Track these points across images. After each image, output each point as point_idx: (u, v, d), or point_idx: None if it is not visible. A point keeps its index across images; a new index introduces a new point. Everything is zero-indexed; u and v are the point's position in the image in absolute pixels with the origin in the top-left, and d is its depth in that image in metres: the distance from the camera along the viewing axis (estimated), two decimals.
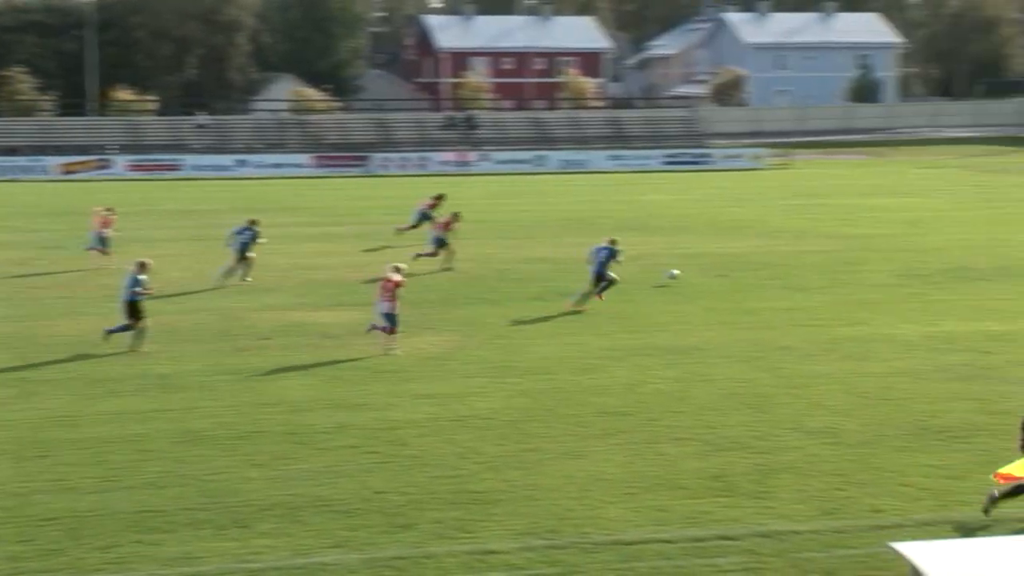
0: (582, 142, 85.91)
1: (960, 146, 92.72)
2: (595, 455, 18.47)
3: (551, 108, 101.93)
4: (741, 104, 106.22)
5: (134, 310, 25.36)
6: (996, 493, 15.63)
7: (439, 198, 41.28)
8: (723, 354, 24.98)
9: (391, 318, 25.00)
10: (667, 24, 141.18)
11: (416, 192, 55.10)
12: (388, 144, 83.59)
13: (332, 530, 15.57)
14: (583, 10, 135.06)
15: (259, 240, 33.92)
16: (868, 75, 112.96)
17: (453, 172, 76.34)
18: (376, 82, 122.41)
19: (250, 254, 33.69)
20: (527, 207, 54.76)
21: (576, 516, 16.02)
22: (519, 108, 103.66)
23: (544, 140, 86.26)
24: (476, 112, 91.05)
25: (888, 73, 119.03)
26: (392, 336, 25.07)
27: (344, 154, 79.76)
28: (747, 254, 38.81)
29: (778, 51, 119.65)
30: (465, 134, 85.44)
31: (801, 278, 33.91)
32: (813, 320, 28.40)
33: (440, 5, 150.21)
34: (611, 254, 30.00)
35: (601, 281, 29.90)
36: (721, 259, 37.86)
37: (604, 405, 21.21)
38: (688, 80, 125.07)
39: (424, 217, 40.41)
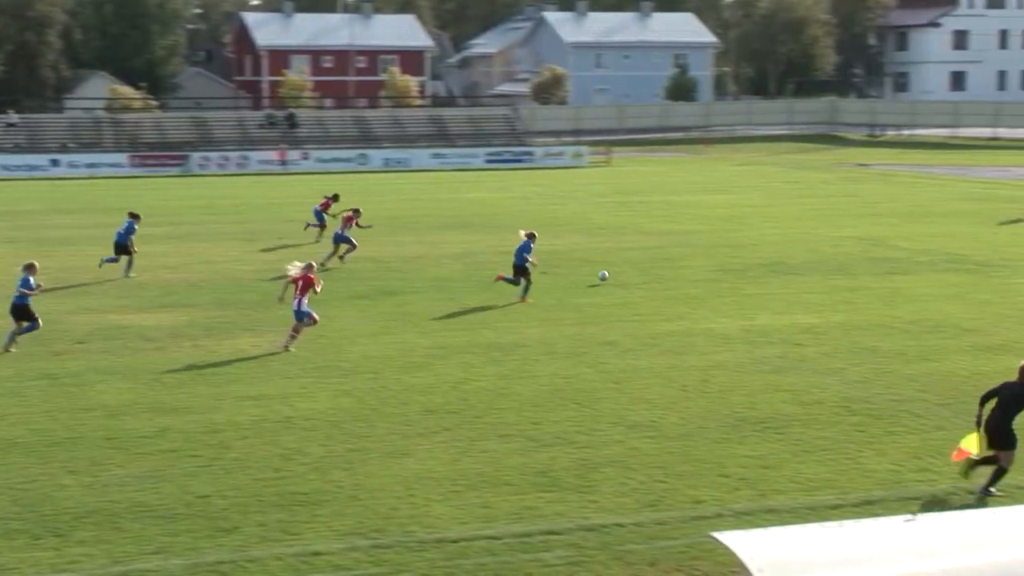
0: (405, 141, 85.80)
1: (773, 143, 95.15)
2: (420, 453, 18.46)
3: (373, 106, 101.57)
4: (562, 102, 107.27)
5: (23, 312, 25.45)
6: (975, 457, 16.23)
7: (334, 197, 41.68)
8: (546, 350, 25.19)
9: (308, 316, 25.32)
10: (487, 23, 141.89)
11: (236, 191, 54.45)
12: (207, 143, 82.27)
13: (152, 536, 15.27)
14: (404, 8, 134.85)
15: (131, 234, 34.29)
16: (685, 74, 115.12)
17: (274, 171, 75.54)
18: (194, 80, 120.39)
19: (133, 249, 34.14)
20: (350, 206, 54.36)
21: (402, 515, 15.99)
22: (341, 106, 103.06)
23: (366, 139, 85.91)
24: (297, 111, 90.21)
25: (704, 72, 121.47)
26: (304, 329, 25.36)
27: (162, 153, 78.28)
28: (569, 251, 39.22)
29: (597, 50, 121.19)
30: (286, 133, 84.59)
31: (622, 274, 34.39)
32: (634, 315, 28.84)
33: (258, 2, 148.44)
34: (526, 247, 30.62)
35: (519, 275, 30.48)
36: (544, 256, 38.12)
37: (429, 403, 21.21)
38: (509, 79, 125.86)
39: (321, 216, 40.93)
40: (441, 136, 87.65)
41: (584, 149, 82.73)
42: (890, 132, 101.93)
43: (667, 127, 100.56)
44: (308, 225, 41.80)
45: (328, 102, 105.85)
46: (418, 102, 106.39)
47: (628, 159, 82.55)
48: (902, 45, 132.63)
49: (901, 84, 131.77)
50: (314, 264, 26.45)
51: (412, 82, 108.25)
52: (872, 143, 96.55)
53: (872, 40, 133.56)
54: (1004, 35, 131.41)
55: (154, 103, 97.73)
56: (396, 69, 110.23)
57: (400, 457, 18.30)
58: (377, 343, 25.97)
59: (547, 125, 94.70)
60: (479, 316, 28.82)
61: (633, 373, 23.28)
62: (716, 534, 9.58)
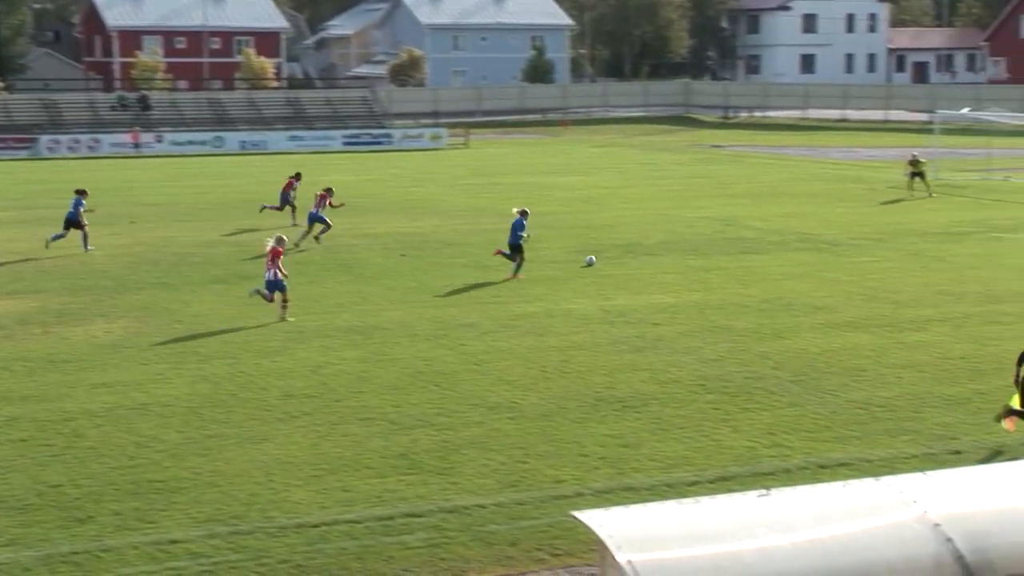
0: (261, 123, 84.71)
1: (629, 125, 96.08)
2: (280, 438, 18.31)
3: (228, 88, 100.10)
4: (420, 84, 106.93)
5: None
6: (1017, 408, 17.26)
7: (296, 177, 41.84)
8: (406, 333, 25.15)
9: (280, 285, 26.18)
10: (343, 4, 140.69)
11: (87, 175, 53.37)
12: (56, 126, 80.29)
13: (3, 528, 14.91)
14: None
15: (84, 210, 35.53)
16: (541, 56, 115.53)
17: (127, 154, 74.07)
18: (42, 61, 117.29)
19: (84, 223, 35.40)
20: (206, 189, 53.69)
21: (261, 501, 15.85)
22: (195, 88, 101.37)
23: (222, 121, 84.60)
24: (150, 93, 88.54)
25: (560, 54, 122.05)
26: (286, 304, 26.31)
27: (8, 136, 76.21)
28: (428, 233, 39.19)
29: (454, 32, 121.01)
30: (139, 115, 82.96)
31: (482, 256, 34.45)
32: (494, 297, 28.93)
33: None
34: (519, 225, 31.33)
35: (515, 252, 31.19)
36: (403, 238, 38.09)
37: (288, 388, 21.05)
38: (367, 60, 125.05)
39: (287, 199, 40.87)
40: (298, 118, 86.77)
41: (442, 131, 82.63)
42: (743, 114, 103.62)
43: (525, 109, 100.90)
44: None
45: (182, 84, 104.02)
46: (274, 84, 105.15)
47: (486, 141, 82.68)
48: (754, 28, 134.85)
49: (753, 67, 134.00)
50: (284, 238, 27.39)
51: (268, 64, 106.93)
52: (726, 125, 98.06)
53: (725, 23, 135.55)
54: (851, 19, 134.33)
55: (0, 85, 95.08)
56: (251, 50, 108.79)
57: (259, 442, 18.13)
58: (234, 328, 25.67)
59: (405, 107, 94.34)
60: (339, 299, 28.65)
61: (493, 354, 23.36)
62: (575, 513, 9.66)
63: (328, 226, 36.84)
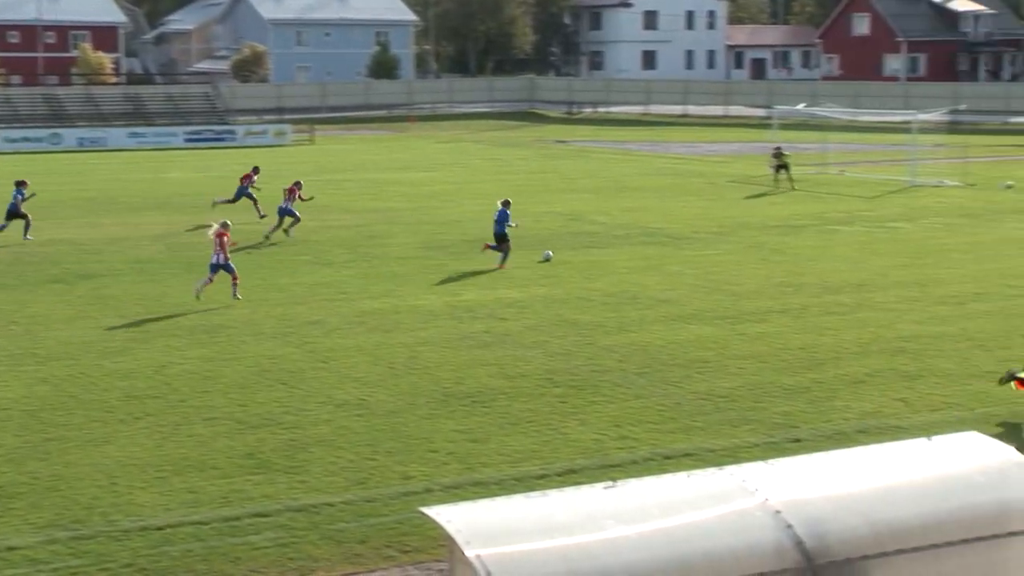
0: (100, 119, 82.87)
1: (474, 121, 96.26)
2: (122, 440, 17.97)
3: (65, 84, 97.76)
4: (263, 80, 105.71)
5: None
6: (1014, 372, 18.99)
7: (254, 170, 42.26)
8: (252, 331, 24.88)
9: (228, 267, 27.44)
10: None
11: None
12: None
13: None
14: None
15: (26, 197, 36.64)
16: (386, 52, 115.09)
17: None
18: None
19: (25, 212, 36.58)
20: (43, 188, 52.27)
21: (104, 504, 15.53)
22: (29, 84, 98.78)
23: (58, 117, 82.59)
24: None
25: (405, 50, 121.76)
26: (236, 282, 27.60)
27: None
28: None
29: (298, 27, 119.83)
30: None
31: (328, 253, 34.23)
32: (341, 294, 28.77)
33: None
34: (505, 215, 32.34)
35: (500, 242, 32.03)
36: (247, 236, 37.60)
37: (131, 389, 20.66)
38: (208, 56, 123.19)
39: (243, 192, 41.01)
40: (138, 114, 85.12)
41: (287, 127, 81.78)
42: (587, 109, 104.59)
43: (370, 105, 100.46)
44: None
45: (15, 79, 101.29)
46: (113, 80, 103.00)
47: (332, 137, 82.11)
48: (596, 25, 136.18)
49: (596, 63, 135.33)
50: (229, 223, 28.44)
51: (106, 59, 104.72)
52: (570, 120, 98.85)
53: (568, 20, 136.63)
54: (691, 16, 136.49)
55: None
56: (88, 45, 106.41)
57: (101, 445, 17.77)
58: (74, 328, 25.10)
59: (248, 103, 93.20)
60: (182, 298, 28.18)
61: (341, 352, 23.24)
62: (424, 509, 9.67)
63: (297, 219, 37.15)
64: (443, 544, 11.40)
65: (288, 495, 15.91)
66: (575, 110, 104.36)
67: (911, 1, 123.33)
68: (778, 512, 9.33)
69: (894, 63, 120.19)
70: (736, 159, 64.88)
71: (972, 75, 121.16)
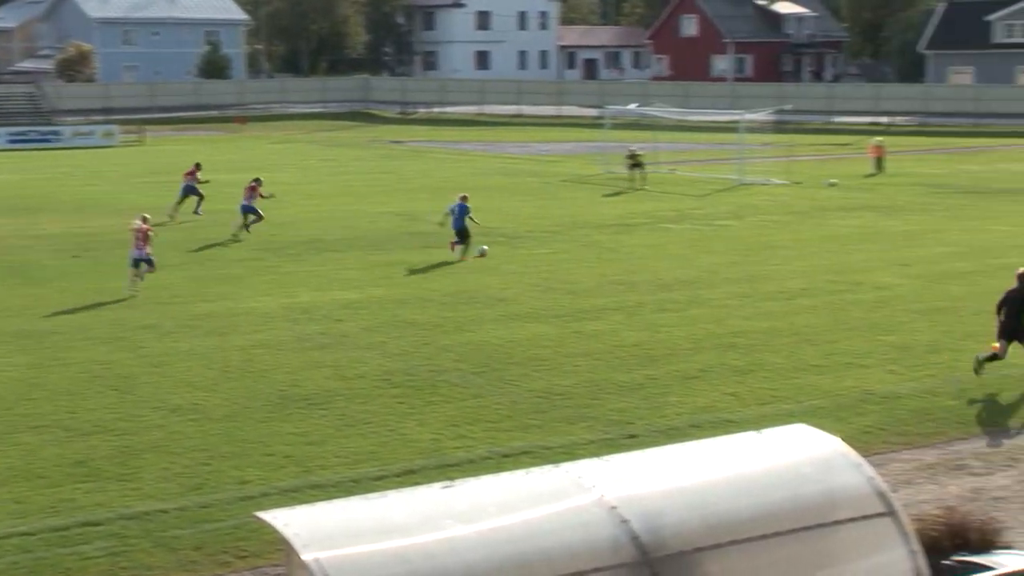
0: None
1: (308, 121, 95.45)
2: None
3: None
4: (89, 80, 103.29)
5: None
6: (980, 357, 20.74)
7: (197, 166, 43.17)
8: (82, 336, 24.31)
9: (150, 261, 28.81)
10: None
11: None
12: None
13: None
14: None
15: None
16: (217, 52, 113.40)
17: None
18: None
19: None
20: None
21: None
22: None
23: None
24: None
25: (236, 50, 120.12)
26: (150, 271, 28.90)
27: None
28: (103, 233, 37.94)
29: (125, 26, 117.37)
30: None
31: (161, 255, 33.56)
32: (174, 297, 28.28)
33: None
34: (464, 210, 33.35)
35: (462, 236, 33.05)
36: (76, 239, 36.79)
37: None
38: (31, 55, 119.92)
39: (190, 190, 41.35)
40: None
41: (115, 128, 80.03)
42: (421, 109, 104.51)
43: (201, 105, 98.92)
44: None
45: None
46: None
47: (162, 138, 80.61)
48: (429, 25, 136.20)
49: (430, 63, 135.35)
50: (148, 216, 29.86)
51: None
52: (405, 120, 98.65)
53: (401, 19, 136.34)
54: (523, 17, 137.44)
55: None
56: None
57: None
58: None
59: (75, 104, 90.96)
60: (7, 303, 27.42)
61: (174, 356, 22.85)
62: (259, 513, 9.56)
63: (260, 217, 37.61)
64: (280, 548, 11.28)
65: (120, 503, 15.59)
66: (409, 110, 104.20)
67: (737, 3, 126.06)
68: (614, 508, 9.45)
69: (722, 64, 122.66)
70: (569, 159, 65.50)
71: (796, 76, 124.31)
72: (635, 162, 51.26)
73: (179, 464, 17.04)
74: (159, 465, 16.96)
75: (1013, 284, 20.76)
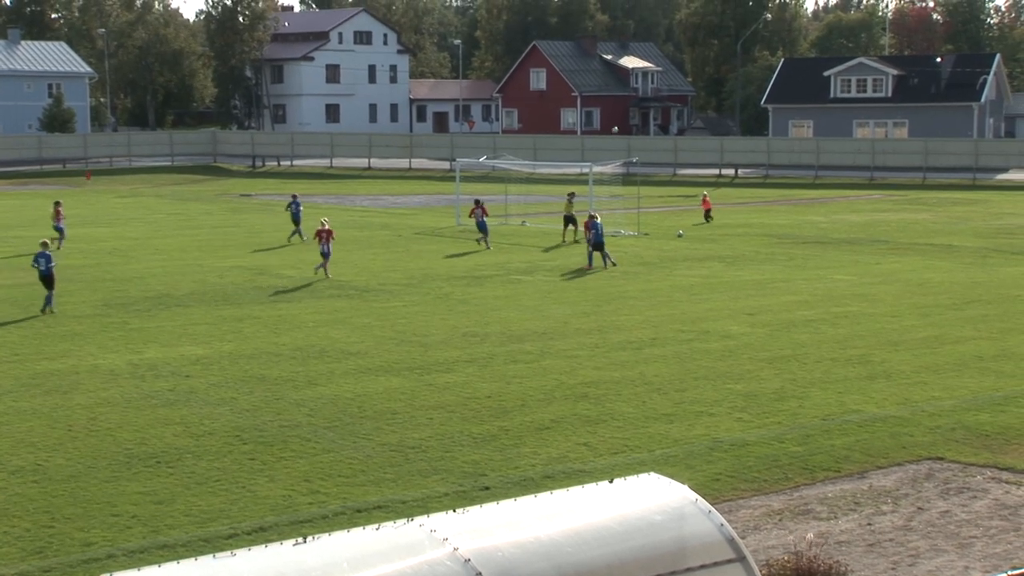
0: None
1: (155, 175, 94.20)
2: None
3: None
4: None
5: None
6: None
7: (57, 204, 46.89)
8: None
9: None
10: None
11: None
12: None
13: None
14: None
15: None
16: (60, 105, 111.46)
17: None
18: None
19: None
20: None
21: None
22: None
23: None
24: None
25: (81, 103, 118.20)
26: None
27: None
28: None
29: None
30: None
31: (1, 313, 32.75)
32: (13, 355, 27.55)
33: None
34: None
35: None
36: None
37: None
38: None
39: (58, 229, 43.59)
40: None
41: None
42: (272, 163, 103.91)
43: (44, 159, 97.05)
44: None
45: None
46: None
47: (3, 193, 78.78)
48: (278, 78, 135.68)
49: (280, 116, 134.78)
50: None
51: None
52: (254, 174, 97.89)
53: (249, 73, 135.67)
54: (373, 70, 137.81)
55: None
56: None
57: None
58: None
59: None
60: None
61: (15, 416, 22.23)
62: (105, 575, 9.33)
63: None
64: None
65: None
66: (259, 164, 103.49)
67: (585, 57, 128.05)
68: (467, 561, 9.42)
69: (570, 117, 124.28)
70: (421, 211, 65.62)
71: (643, 129, 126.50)
72: (568, 213, 51.33)
73: (20, 527, 16.55)
74: None
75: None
